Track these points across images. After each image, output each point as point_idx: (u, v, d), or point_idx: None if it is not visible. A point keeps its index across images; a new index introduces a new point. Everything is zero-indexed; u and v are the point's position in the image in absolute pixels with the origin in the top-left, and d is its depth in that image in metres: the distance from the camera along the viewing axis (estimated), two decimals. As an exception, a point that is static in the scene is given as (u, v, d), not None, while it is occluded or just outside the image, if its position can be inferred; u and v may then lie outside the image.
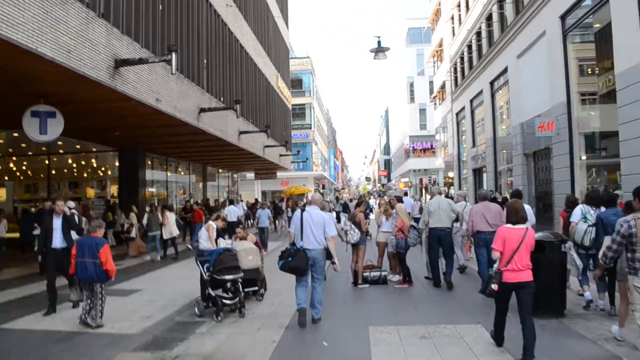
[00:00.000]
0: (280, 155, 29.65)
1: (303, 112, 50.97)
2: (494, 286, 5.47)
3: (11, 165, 21.43)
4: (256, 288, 8.79)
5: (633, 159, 11.23)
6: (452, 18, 32.61)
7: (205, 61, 15.95)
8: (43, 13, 7.46)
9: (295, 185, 43.34)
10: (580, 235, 7.48)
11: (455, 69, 31.79)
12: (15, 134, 15.29)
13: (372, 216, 16.77)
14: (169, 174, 24.00)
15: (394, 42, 50.07)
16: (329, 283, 9.82)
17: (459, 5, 30.13)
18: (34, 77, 8.96)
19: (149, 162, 21.18)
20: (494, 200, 11.14)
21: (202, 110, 14.79)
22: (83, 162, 21.77)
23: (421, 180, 53.32)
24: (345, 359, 5.65)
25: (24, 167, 21.97)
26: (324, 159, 64.96)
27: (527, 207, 9.12)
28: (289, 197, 33.69)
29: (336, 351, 5.96)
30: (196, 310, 7.91)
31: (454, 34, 32.29)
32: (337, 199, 35.78)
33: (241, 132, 19.62)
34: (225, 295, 7.78)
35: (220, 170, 32.49)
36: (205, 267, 8.02)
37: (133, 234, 15.12)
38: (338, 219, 15.39)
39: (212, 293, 7.73)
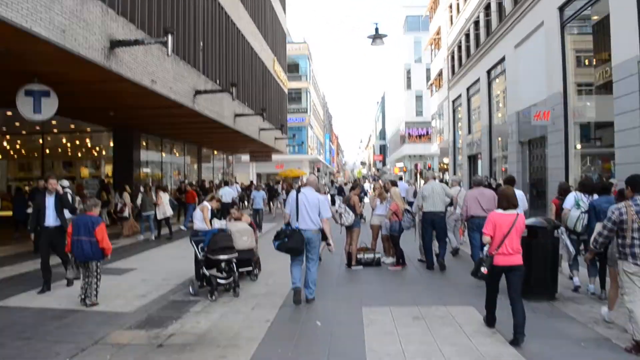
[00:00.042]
0: (276, 139, 29.62)
1: (299, 96, 50.81)
2: (484, 269, 5.64)
3: (5, 144, 21.32)
4: (250, 268, 8.84)
5: (627, 149, 11.32)
6: (450, 7, 32.46)
7: (201, 43, 15.85)
8: (38, -9, 7.37)
9: (290, 168, 43.42)
10: (572, 221, 7.60)
11: (453, 57, 31.72)
12: (9, 113, 15.18)
13: (366, 200, 16.82)
14: (163, 154, 23.93)
15: (391, 29, 49.89)
16: (323, 264, 9.91)
17: (457, -7, 29.99)
18: (28, 57, 8.88)
19: (144, 143, 21.12)
20: (488, 186, 11.24)
21: (198, 92, 14.73)
22: (77, 142, 21.68)
23: (416, 165, 53.42)
24: (339, 339, 5.71)
25: (17, 146, 21.87)
26: (319, 143, 64.93)
27: (520, 194, 9.23)
28: (284, 180, 33.74)
29: (330, 331, 6.02)
30: (190, 289, 7.96)
31: (452, 23, 32.16)
32: (332, 182, 35.84)
33: (237, 115, 19.57)
34: (219, 275, 7.83)
35: (215, 152, 32.44)
36: (199, 247, 8.05)
37: (126, 213, 15.10)
38: (333, 202, 15.42)
39: (207, 273, 7.78)
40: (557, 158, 15.37)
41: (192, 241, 8.32)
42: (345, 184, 32.31)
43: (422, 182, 20.03)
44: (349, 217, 9.94)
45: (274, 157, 37.29)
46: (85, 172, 21.74)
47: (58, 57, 8.61)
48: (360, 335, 5.77)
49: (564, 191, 8.65)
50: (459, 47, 29.63)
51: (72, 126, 19.19)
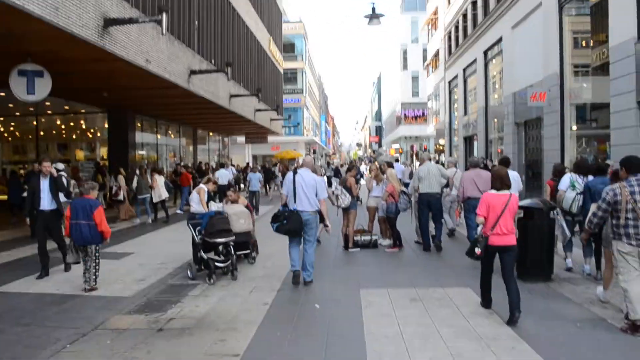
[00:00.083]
0: (271, 120, 29.48)
1: (295, 76, 50.45)
2: (477, 250, 5.73)
3: (-2, 126, 21.15)
4: (248, 251, 8.86)
5: (623, 130, 11.35)
6: (448, -15, 32.14)
7: (196, 22, 15.65)
8: (30, -32, 7.23)
9: (286, 150, 43.32)
10: (568, 202, 7.63)
11: (450, 37, 31.50)
12: (2, 94, 15.01)
13: (362, 181, 16.84)
14: (159, 136, 23.80)
15: (388, 9, 49.43)
16: (319, 247, 9.94)
17: (455, -28, 29.64)
18: (21, 35, 8.75)
19: (139, 125, 20.98)
20: (484, 167, 11.27)
21: (193, 72, 14.59)
22: (72, 124, 21.51)
23: (412, 147, 53.42)
24: (337, 321, 5.75)
25: (11, 128, 21.69)
26: (315, 124, 64.69)
27: (514, 175, 9.28)
28: (280, 161, 33.70)
29: (328, 313, 6.06)
30: (189, 273, 7.97)
31: (449, 3, 31.85)
32: (328, 164, 35.84)
33: (232, 96, 19.43)
34: (217, 258, 7.84)
35: (211, 134, 32.30)
36: (197, 230, 8.05)
37: (121, 197, 15.03)
38: (330, 184, 15.45)
39: (205, 256, 7.78)
40: (552, 139, 15.40)
41: (189, 224, 8.32)
42: (342, 165, 32.31)
43: (418, 163, 20.01)
44: (345, 199, 9.96)
45: (270, 138, 37.17)
46: (80, 154, 21.61)
47: (51, 35, 8.48)
48: (358, 318, 5.81)
49: (558, 172, 8.69)
50: (456, 28, 29.40)
51: (66, 107, 19.03)
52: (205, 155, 30.96)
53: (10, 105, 17.86)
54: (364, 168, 31.10)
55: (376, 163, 13.13)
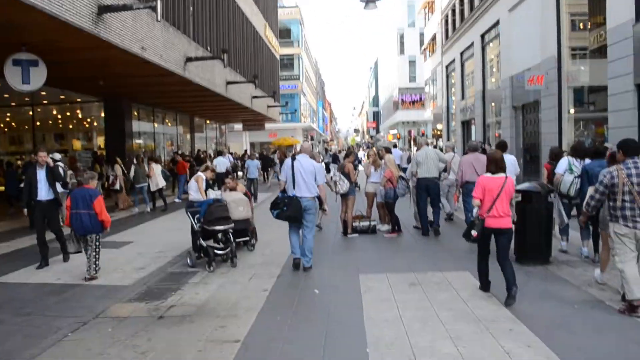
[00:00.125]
0: (268, 107, 29.39)
1: (291, 62, 50.18)
2: (474, 232, 5.82)
3: (-6, 116, 21.02)
4: (247, 238, 8.88)
5: (620, 113, 11.35)
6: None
7: (191, 9, 15.52)
8: (21, -44, 7.14)
9: (283, 137, 43.20)
10: (566, 186, 7.63)
11: (447, 21, 31.30)
12: (-3, 84, 14.93)
13: (360, 167, 16.83)
14: (155, 125, 23.72)
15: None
16: (318, 233, 9.96)
17: (451, -46, 29.37)
18: (15, 25, 8.66)
19: (135, 113, 20.89)
20: (483, 151, 11.26)
21: (189, 59, 14.50)
22: (68, 113, 21.40)
23: (410, 132, 53.37)
24: (337, 307, 5.78)
25: (7, 119, 21.56)
26: (312, 111, 64.52)
27: (511, 158, 9.29)
28: (278, 148, 33.65)
29: (327, 299, 6.09)
30: (188, 261, 8.00)
31: (446, -15, 31.61)
32: (326, 150, 35.80)
33: (228, 83, 19.34)
34: (216, 245, 7.86)
35: (208, 122, 32.18)
36: (195, 218, 8.06)
37: (117, 186, 15.00)
38: (328, 170, 15.43)
39: (204, 244, 7.80)
40: (550, 123, 15.39)
41: (188, 212, 8.31)
42: (340, 151, 32.26)
43: (415, 149, 20.00)
44: (343, 185, 9.97)
45: (267, 125, 37.07)
46: (77, 144, 21.51)
47: (45, 24, 8.41)
48: (358, 303, 5.84)
49: (555, 156, 8.69)
50: (453, 11, 29.21)
51: (62, 97, 18.92)
52: (203, 144, 30.88)
53: (6, 95, 17.75)
54: (361, 154, 31.05)
55: (374, 149, 13.10)
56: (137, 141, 21.38)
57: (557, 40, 14.94)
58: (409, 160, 15.74)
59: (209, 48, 17.13)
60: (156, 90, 17.33)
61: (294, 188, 7.39)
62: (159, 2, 9.68)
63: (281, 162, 16.72)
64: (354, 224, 10.21)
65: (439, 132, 38.02)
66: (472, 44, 25.10)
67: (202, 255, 7.94)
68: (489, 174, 5.94)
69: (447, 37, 31.32)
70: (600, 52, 12.91)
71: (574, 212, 7.98)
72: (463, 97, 28.17)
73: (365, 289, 6.38)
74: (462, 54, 27.61)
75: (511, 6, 18.90)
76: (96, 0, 9.24)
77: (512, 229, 5.90)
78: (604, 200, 5.55)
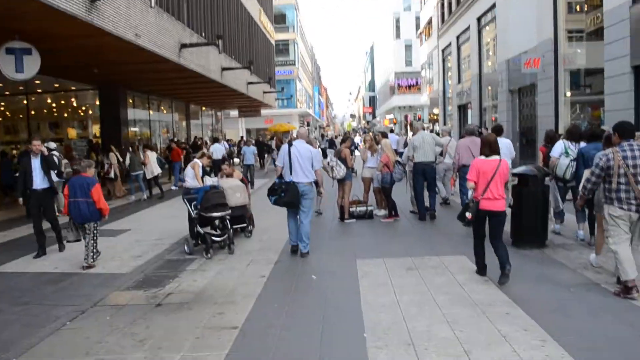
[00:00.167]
0: (264, 92, 29.25)
1: (287, 48, 49.86)
2: (468, 215, 5.88)
3: (-12, 105, 20.83)
4: (244, 225, 8.88)
5: (616, 96, 11.33)
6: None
7: (185, -6, 15.36)
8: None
9: (279, 123, 43.06)
10: (562, 169, 7.63)
11: (443, 4, 31.05)
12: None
13: (357, 153, 16.83)
14: (151, 112, 23.59)
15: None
16: (316, 219, 9.98)
17: None
18: (8, 13, 8.56)
19: (130, 101, 20.77)
20: (480, 135, 11.24)
21: (183, 45, 14.38)
22: (63, 102, 21.24)
23: (406, 117, 53.22)
24: (334, 292, 5.81)
25: (2, 108, 21.38)
26: (308, 96, 64.27)
27: (506, 142, 9.30)
28: (275, 134, 33.58)
29: (325, 284, 6.11)
30: (186, 248, 8.01)
31: (441, -33, 31.32)
32: (323, 136, 35.73)
33: (224, 69, 19.22)
34: (214, 232, 7.87)
35: (204, 108, 32.03)
36: (192, 205, 8.05)
37: (112, 174, 14.95)
38: (325, 156, 15.41)
39: (201, 230, 7.81)
40: (547, 106, 15.36)
41: (184, 199, 8.31)
42: (336, 137, 32.21)
43: (411, 133, 19.95)
44: (340, 171, 9.97)
45: (263, 111, 36.93)
46: (72, 132, 21.39)
47: (38, 12, 8.31)
48: (355, 288, 5.87)
49: (550, 139, 8.71)
50: (449, -6, 29.00)
51: (57, 85, 18.75)
52: (199, 131, 30.77)
53: (0, 84, 17.61)
54: (358, 139, 30.99)
55: (370, 134, 13.08)
56: (133, 129, 21.27)
57: (553, 23, 14.85)
58: (405, 145, 15.73)
59: (203, 34, 17.00)
60: (151, 78, 17.22)
61: (291, 174, 7.40)
62: (152, -12, 9.59)
63: (278, 149, 16.69)
64: (350, 209, 10.22)
65: (435, 117, 37.94)
66: (468, 27, 24.96)
67: (199, 242, 7.95)
68: (482, 157, 5.98)
69: (443, 20, 31.11)
70: (597, 34, 12.85)
71: (569, 195, 8.00)
72: (459, 81, 28.07)
73: (363, 274, 6.40)
74: (458, 37, 27.46)
75: (508, -12, 18.77)
76: (88, -14, 9.13)
77: (506, 212, 5.97)
78: (599, 183, 5.55)
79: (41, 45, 9.56)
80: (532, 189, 7.35)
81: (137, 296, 5.97)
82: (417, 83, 51.30)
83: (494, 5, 20.78)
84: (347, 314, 5.08)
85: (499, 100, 20.28)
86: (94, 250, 7.28)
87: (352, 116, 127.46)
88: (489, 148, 5.97)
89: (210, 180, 9.13)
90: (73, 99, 21.12)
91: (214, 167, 14.46)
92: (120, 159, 15.30)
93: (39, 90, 19.47)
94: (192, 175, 9.13)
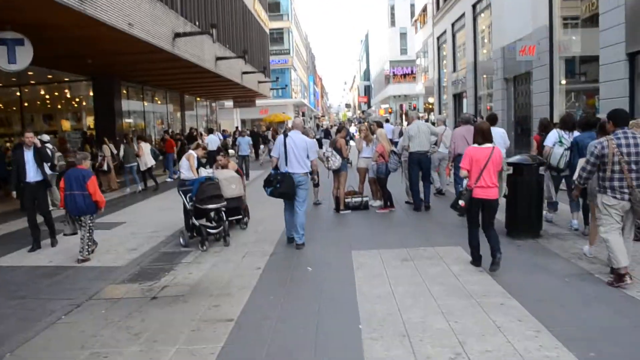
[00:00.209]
0: (259, 82, 29.11)
1: (281, 36, 49.59)
2: (461, 202, 5.92)
3: (-20, 98, 20.65)
4: (240, 217, 8.87)
5: (612, 83, 11.32)
6: None
7: (178, -17, 15.22)
8: None
9: (274, 113, 42.94)
10: (556, 158, 7.62)
11: (438, -10, 30.90)
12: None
13: (352, 143, 16.80)
14: (145, 103, 23.46)
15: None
16: (312, 210, 9.98)
17: None
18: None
19: (125, 92, 20.63)
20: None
21: (177, 35, 14.28)
22: (56, 93, 21.07)
23: (401, 106, 53.14)
24: (330, 283, 5.82)
25: (-6, 100, 21.21)
26: (303, 86, 64.03)
27: (500, 131, 9.28)
28: (270, 125, 33.49)
29: (320, 276, 6.12)
30: (181, 240, 7.99)
31: (436, -47, 31.10)
32: (318, 126, 35.67)
33: (218, 58, 19.11)
34: (209, 224, 7.85)
35: (198, 99, 31.87)
36: (187, 196, 8.02)
37: (105, 167, 14.88)
38: (320, 146, 15.39)
39: (196, 223, 7.79)
40: (542, 94, 15.35)
41: (179, 191, 8.29)
42: (331, 127, 32.12)
43: (406, 123, 19.93)
44: (335, 161, 9.95)
45: (258, 102, 36.76)
46: (66, 124, 21.24)
47: (30, 2, 8.26)
48: (351, 279, 5.88)
49: (544, 127, 8.70)
50: (444, -19, 28.83)
51: (50, 76, 18.60)
52: (194, 121, 30.61)
53: (-8, 76, 17.46)
54: (353, 129, 30.94)
55: (366, 123, 13.04)
56: (127, 120, 21.15)
57: (548, 9, 14.81)
58: (400, 134, 15.71)
59: (197, 23, 16.87)
60: (145, 68, 17.11)
61: (286, 164, 7.39)
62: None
63: (274, 139, 16.66)
64: (346, 200, 10.22)
65: (430, 106, 37.88)
66: (463, 15, 24.84)
67: (194, 234, 7.94)
68: (476, 145, 6.00)
69: (438, 7, 30.95)
70: (592, 21, 12.81)
71: (563, 185, 8.01)
72: (454, 69, 28.00)
73: (358, 265, 6.41)
74: (453, 25, 27.33)
75: (503, -25, 18.67)
76: (79, -25, 9.03)
77: (498, 200, 6.01)
78: (594, 171, 5.55)
79: (33, 35, 9.50)
80: (526, 178, 7.36)
81: (132, 289, 5.97)
82: (412, 72, 51.17)
83: (489, -8, 20.69)
84: (342, 305, 5.09)
85: (494, 88, 20.25)
86: (89, 243, 7.26)
87: (348, 106, 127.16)
88: (482, 136, 5.99)
89: (205, 172, 9.10)
90: (67, 90, 20.95)
91: (209, 159, 14.42)
92: (114, 152, 15.22)
93: (32, 82, 19.31)
94: (187, 167, 9.10)
